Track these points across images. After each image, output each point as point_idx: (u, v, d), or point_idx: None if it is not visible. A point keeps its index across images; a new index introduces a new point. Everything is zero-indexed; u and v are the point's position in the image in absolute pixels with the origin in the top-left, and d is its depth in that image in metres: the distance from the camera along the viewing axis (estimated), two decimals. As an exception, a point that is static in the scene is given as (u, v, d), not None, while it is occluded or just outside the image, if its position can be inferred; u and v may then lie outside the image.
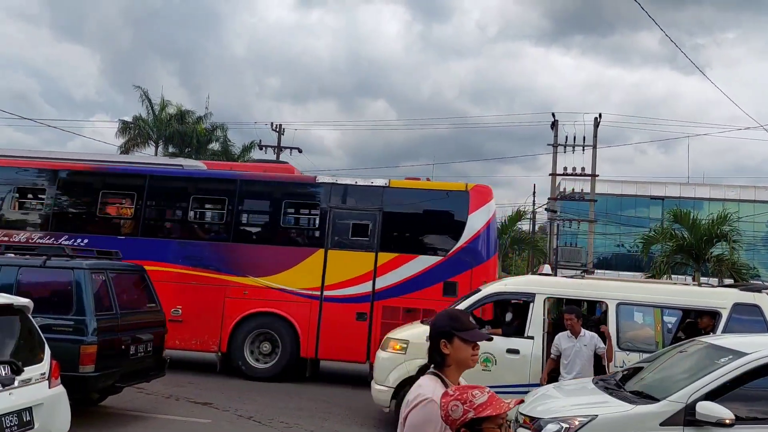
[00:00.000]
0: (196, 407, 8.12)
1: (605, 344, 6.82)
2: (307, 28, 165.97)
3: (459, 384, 2.43)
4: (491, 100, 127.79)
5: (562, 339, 6.81)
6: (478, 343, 2.47)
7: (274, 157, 29.83)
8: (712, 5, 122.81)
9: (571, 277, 8.97)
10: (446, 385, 2.45)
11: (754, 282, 10.79)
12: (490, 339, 2.61)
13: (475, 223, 10.28)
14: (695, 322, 7.51)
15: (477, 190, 10.58)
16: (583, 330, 6.76)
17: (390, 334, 8.06)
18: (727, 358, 4.65)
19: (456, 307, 7.74)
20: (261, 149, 29.62)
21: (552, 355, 6.91)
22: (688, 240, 17.74)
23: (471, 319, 2.84)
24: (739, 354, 4.62)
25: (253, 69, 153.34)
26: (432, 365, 2.52)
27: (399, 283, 10.16)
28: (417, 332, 7.71)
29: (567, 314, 6.81)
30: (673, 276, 18.94)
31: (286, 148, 29.69)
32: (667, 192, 47.13)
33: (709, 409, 4.23)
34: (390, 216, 10.54)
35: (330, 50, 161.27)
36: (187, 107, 30.46)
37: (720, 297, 7.21)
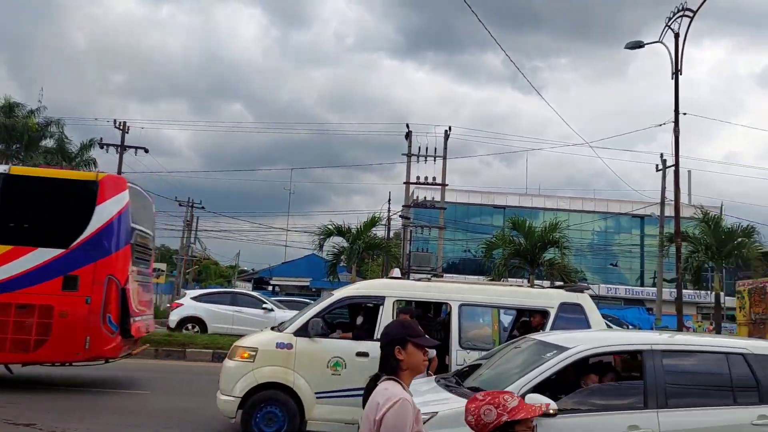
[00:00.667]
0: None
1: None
2: (157, 24, 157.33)
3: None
4: (350, 108, 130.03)
5: None
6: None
7: (116, 157, 27.87)
8: (548, 33, 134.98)
9: (419, 280, 9.29)
10: (406, 389, 2.56)
11: (579, 283, 11.92)
12: (439, 343, 2.61)
13: (103, 214, 9.78)
14: (529, 321, 8.11)
15: (108, 180, 10.15)
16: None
17: (238, 342, 7.81)
18: (552, 353, 5.05)
19: (309, 311, 7.72)
20: (102, 147, 27.51)
21: None
22: (525, 245, 19.26)
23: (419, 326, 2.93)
24: (562, 349, 5.03)
25: (96, 63, 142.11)
26: (384, 372, 2.62)
27: (12, 278, 9.43)
28: (266, 339, 7.55)
29: (402, 314, 6.84)
30: (510, 278, 20.44)
31: (130, 147, 27.83)
32: (509, 202, 50.88)
33: (535, 400, 4.54)
34: (6, 205, 9.92)
35: (183, 48, 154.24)
36: (17, 99, 27.36)
37: (549, 297, 7.83)
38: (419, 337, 2.67)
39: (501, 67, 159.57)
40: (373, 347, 7.24)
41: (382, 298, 7.56)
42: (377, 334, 7.34)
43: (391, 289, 7.77)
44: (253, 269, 57.55)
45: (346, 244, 23.50)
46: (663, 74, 17.93)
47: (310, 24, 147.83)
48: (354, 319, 8.63)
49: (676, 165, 18.44)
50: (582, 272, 49.35)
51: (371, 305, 8.11)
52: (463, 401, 4.82)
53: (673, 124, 17.92)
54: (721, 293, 21.90)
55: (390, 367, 2.62)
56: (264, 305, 18.42)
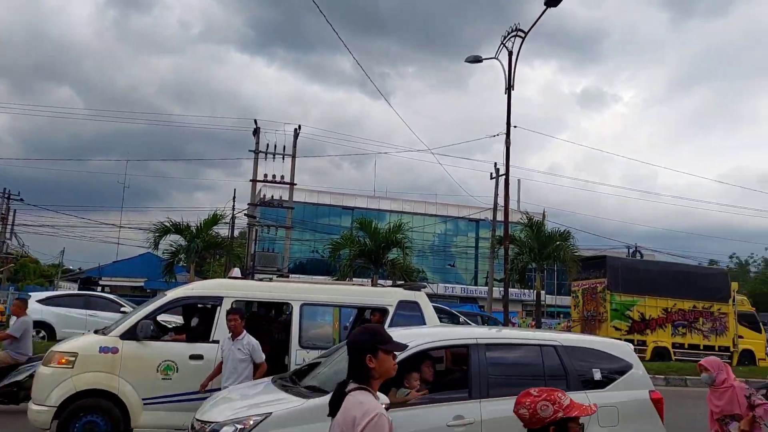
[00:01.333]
0: None
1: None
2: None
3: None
4: (194, 100, 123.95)
5: (225, 341, 6.62)
6: None
7: None
8: (396, 40, 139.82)
9: (260, 279, 9.12)
10: (376, 397, 2.53)
11: (417, 282, 12.45)
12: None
13: None
14: (369, 319, 8.30)
15: None
16: (245, 334, 6.52)
17: (55, 347, 7.10)
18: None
19: (138, 313, 7.22)
20: None
21: (221, 359, 6.68)
22: (370, 246, 19.74)
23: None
24: (397, 344, 5.21)
25: None
26: (354, 380, 2.60)
27: None
28: (87, 343, 6.94)
29: (230, 314, 6.59)
30: (355, 278, 20.84)
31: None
32: (357, 203, 51.83)
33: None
34: None
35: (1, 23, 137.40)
36: None
37: (388, 295, 8.07)
38: (388, 343, 2.67)
39: (351, 70, 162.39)
40: (208, 349, 6.97)
41: (220, 298, 7.30)
42: (214, 335, 7.08)
43: (230, 289, 7.54)
44: (80, 268, 52.84)
45: (184, 243, 22.38)
46: (499, 89, 19.42)
47: (151, 8, 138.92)
48: (189, 321, 8.25)
49: (507, 174, 19.98)
50: (423, 272, 51.67)
51: (208, 306, 7.81)
52: (300, 400, 4.82)
53: (505, 135, 19.39)
54: (542, 291, 24.16)
55: (360, 376, 2.61)
56: (122, 308, 17.01)
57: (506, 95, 19.24)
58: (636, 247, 42.32)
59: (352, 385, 2.61)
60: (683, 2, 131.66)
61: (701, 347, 21.54)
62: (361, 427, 2.42)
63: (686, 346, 21.68)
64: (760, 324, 23.58)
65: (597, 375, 5.45)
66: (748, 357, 22.41)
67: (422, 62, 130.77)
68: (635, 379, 5.63)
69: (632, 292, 21.37)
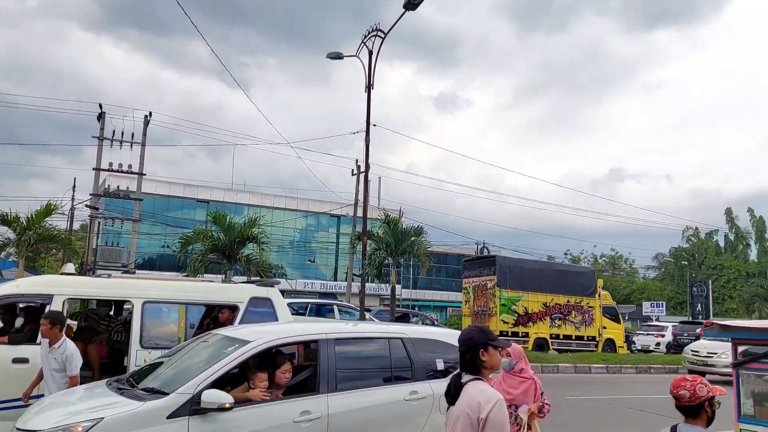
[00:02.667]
0: None
1: None
2: None
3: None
4: (29, 79, 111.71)
5: (43, 347, 5.93)
6: None
7: None
8: (258, 30, 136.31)
9: (98, 276, 8.47)
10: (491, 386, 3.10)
11: (270, 279, 12.26)
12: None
13: None
14: (218, 317, 8.02)
15: None
16: (63, 341, 5.81)
17: None
18: (233, 347, 5.05)
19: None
20: None
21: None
22: (223, 241, 19.10)
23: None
24: (244, 342, 5.07)
25: None
26: (467, 372, 3.08)
27: None
28: None
29: (43, 319, 5.88)
30: (208, 274, 20.07)
31: None
32: (213, 196, 49.98)
33: (212, 396, 4.48)
34: None
35: None
36: None
37: (238, 292, 7.86)
38: (496, 339, 3.20)
39: (209, 57, 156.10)
40: (35, 353, 6.31)
41: (50, 296, 6.67)
42: (40, 337, 6.43)
43: (62, 286, 6.92)
44: None
45: (13, 236, 20.14)
46: (360, 86, 19.67)
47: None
48: (11, 323, 7.44)
49: (366, 171, 20.35)
50: (282, 268, 51.18)
51: (36, 305, 7.09)
52: (136, 403, 4.52)
53: (365, 133, 19.72)
54: (397, 285, 24.93)
55: (475, 368, 3.08)
56: None
57: (366, 94, 19.58)
58: (484, 244, 45.13)
59: (467, 377, 3.08)
60: (529, 16, 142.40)
61: (573, 337, 23.89)
62: (487, 411, 2.91)
63: (561, 336, 23.78)
64: (620, 316, 26.65)
65: (440, 365, 5.70)
66: (610, 345, 25.39)
67: (284, 55, 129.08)
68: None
69: (518, 288, 23.07)
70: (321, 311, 19.38)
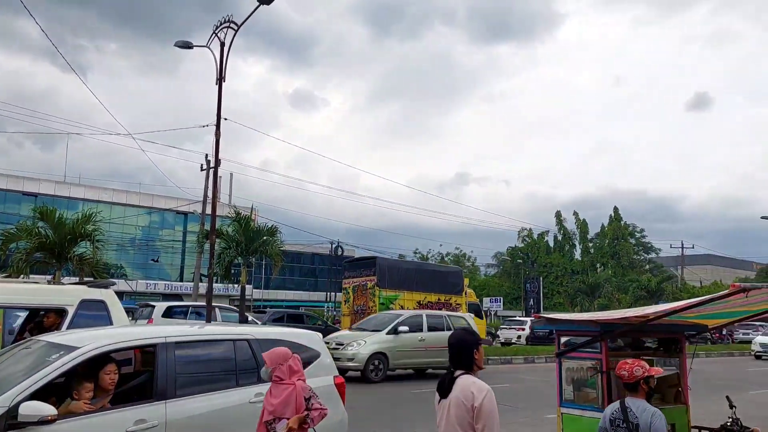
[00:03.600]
0: None
1: None
2: None
3: None
4: None
5: None
6: None
7: None
8: (95, 11, 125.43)
9: None
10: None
11: (105, 279, 11.35)
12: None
13: None
14: (42, 321, 7.27)
15: None
16: None
17: None
18: (58, 355, 4.58)
19: None
20: None
21: None
22: (52, 238, 17.34)
23: None
24: (71, 349, 4.62)
25: None
26: (459, 368, 3.58)
27: None
28: None
29: None
30: (34, 275, 18.12)
31: None
32: (42, 189, 45.44)
33: (32, 408, 4.04)
34: None
35: None
36: None
37: (67, 294, 7.18)
38: (482, 341, 3.80)
39: (39, 37, 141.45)
40: None
41: None
42: None
43: None
44: None
45: None
46: (211, 79, 18.88)
47: None
48: None
49: (216, 166, 19.59)
50: (122, 268, 47.74)
51: None
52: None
53: (215, 127, 18.96)
54: (248, 285, 24.31)
55: (468, 365, 3.57)
56: None
57: (217, 86, 18.85)
58: (338, 243, 45.57)
59: (459, 372, 3.56)
60: (383, 21, 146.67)
61: None
62: (480, 399, 3.39)
63: None
64: (482, 312, 28.53)
65: (289, 365, 5.61)
66: None
67: (127, 40, 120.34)
68: (322, 366, 5.96)
69: (395, 287, 24.14)
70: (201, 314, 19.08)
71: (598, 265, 67.87)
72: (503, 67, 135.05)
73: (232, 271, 23.61)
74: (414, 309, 24.23)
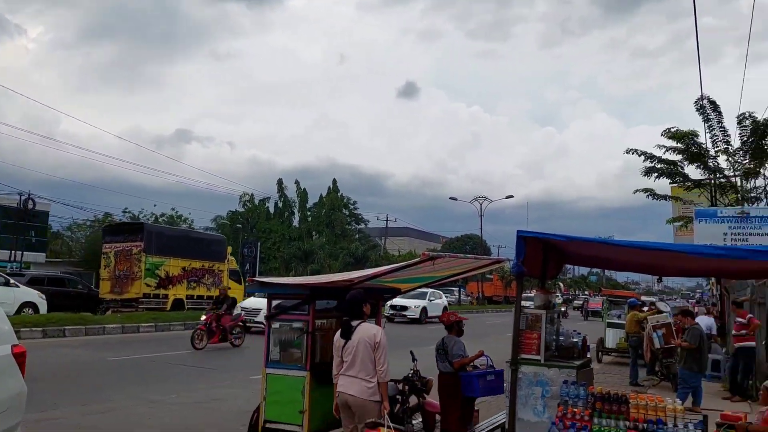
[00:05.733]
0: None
1: None
2: None
3: None
4: None
5: None
6: None
7: None
8: None
9: None
10: None
11: None
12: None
13: None
14: None
15: None
16: None
17: None
18: None
19: None
20: None
21: None
22: None
23: None
24: None
25: None
26: (355, 318, 5.16)
27: None
28: None
29: None
30: None
31: None
32: None
33: None
34: None
35: None
36: None
37: None
38: (368, 299, 5.43)
39: None
40: None
41: None
42: None
43: None
44: None
45: None
46: None
47: None
48: None
49: None
50: None
51: None
52: None
53: None
54: None
55: (360, 316, 5.18)
56: None
57: None
58: (29, 195, 39.47)
59: (356, 321, 5.13)
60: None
61: (205, 297, 26.92)
62: (379, 336, 5.03)
63: (195, 297, 27.23)
64: (242, 277, 30.99)
65: None
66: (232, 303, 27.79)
67: None
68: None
69: (162, 254, 25.59)
70: None
71: (314, 233, 71.32)
72: (233, 26, 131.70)
73: None
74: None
